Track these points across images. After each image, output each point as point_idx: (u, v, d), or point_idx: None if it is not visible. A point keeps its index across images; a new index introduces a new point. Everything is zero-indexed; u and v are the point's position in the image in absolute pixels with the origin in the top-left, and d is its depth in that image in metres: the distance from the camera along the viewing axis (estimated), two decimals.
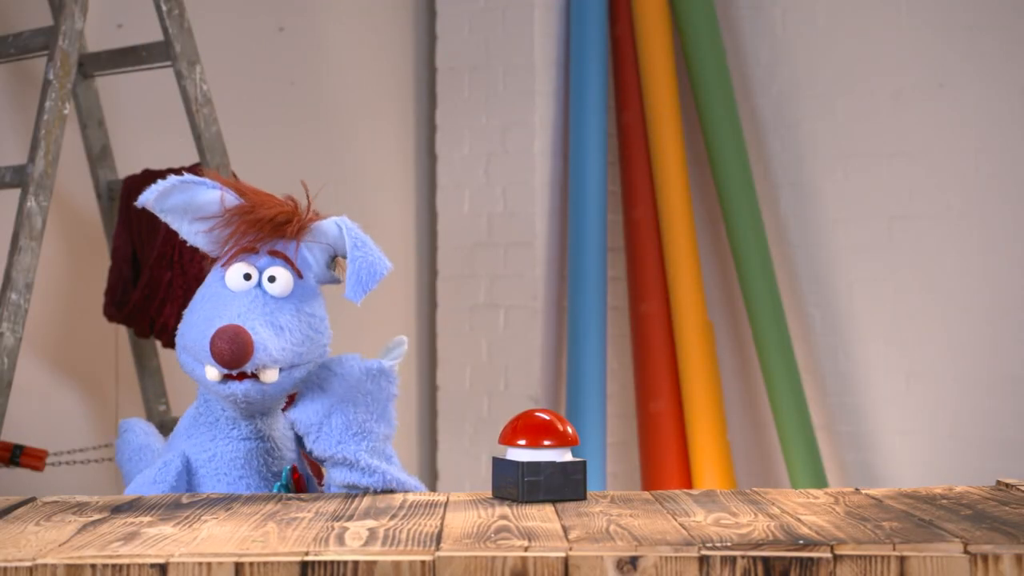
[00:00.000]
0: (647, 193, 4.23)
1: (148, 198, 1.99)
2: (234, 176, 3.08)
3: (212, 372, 1.94)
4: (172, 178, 1.99)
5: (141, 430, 2.30)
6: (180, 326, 2.02)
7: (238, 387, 1.94)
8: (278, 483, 2.03)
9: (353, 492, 1.95)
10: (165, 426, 3.32)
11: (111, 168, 3.31)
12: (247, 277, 1.97)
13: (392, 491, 1.97)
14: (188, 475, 2.02)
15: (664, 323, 4.18)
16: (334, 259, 2.05)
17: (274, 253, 2.00)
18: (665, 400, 4.14)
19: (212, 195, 1.99)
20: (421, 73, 4.47)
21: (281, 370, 1.96)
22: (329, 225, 2.03)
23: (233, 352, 1.89)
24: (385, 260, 2.00)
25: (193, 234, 2.02)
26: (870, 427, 4.07)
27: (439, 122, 4.43)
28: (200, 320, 1.96)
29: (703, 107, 4.18)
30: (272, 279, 1.98)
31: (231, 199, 2.00)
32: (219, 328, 1.90)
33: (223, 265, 1.99)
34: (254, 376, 1.94)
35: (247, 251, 1.99)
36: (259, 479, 2.03)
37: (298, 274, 2.00)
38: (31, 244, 2.81)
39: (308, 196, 2.04)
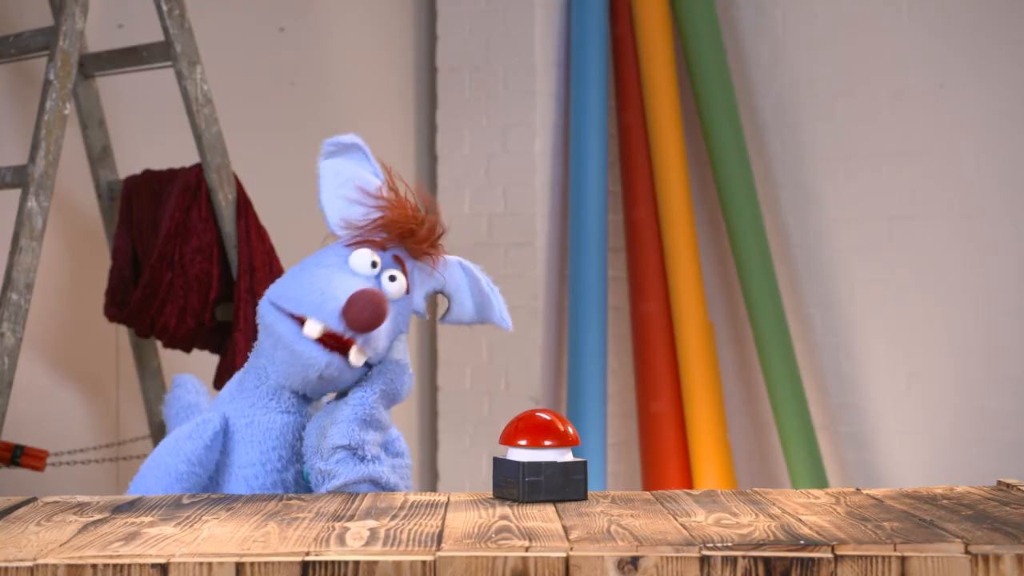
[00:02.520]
0: (648, 193, 4.23)
1: (330, 152, 2.06)
2: (234, 176, 3.08)
3: (313, 327, 1.96)
4: (358, 140, 2.07)
5: (193, 387, 2.32)
6: (279, 281, 2.04)
7: (324, 356, 1.97)
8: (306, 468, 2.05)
9: (355, 491, 1.95)
10: (166, 426, 3.32)
11: (111, 168, 3.31)
12: (373, 265, 2.00)
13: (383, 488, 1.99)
14: (225, 436, 2.04)
15: (665, 323, 4.18)
16: (433, 295, 2.13)
17: (398, 259, 2.05)
18: (666, 400, 4.14)
19: (373, 179, 2.06)
20: (421, 73, 4.47)
21: (367, 363, 1.99)
22: (453, 263, 2.13)
23: (373, 310, 1.94)
24: (506, 319, 2.18)
25: (335, 196, 2.06)
26: (871, 427, 4.07)
27: (439, 122, 4.43)
28: (317, 280, 1.98)
29: (704, 107, 4.18)
30: (393, 279, 2.03)
31: (380, 188, 2.06)
32: (359, 290, 1.94)
33: (349, 245, 2.03)
34: (346, 350, 1.97)
35: (376, 244, 2.03)
36: (291, 453, 2.05)
37: (407, 289, 2.05)
38: (31, 244, 2.81)
39: (442, 221, 2.09)
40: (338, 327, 1.95)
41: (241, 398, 2.07)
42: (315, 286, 1.98)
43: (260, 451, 2.03)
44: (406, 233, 2.05)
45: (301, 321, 1.98)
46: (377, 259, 2.02)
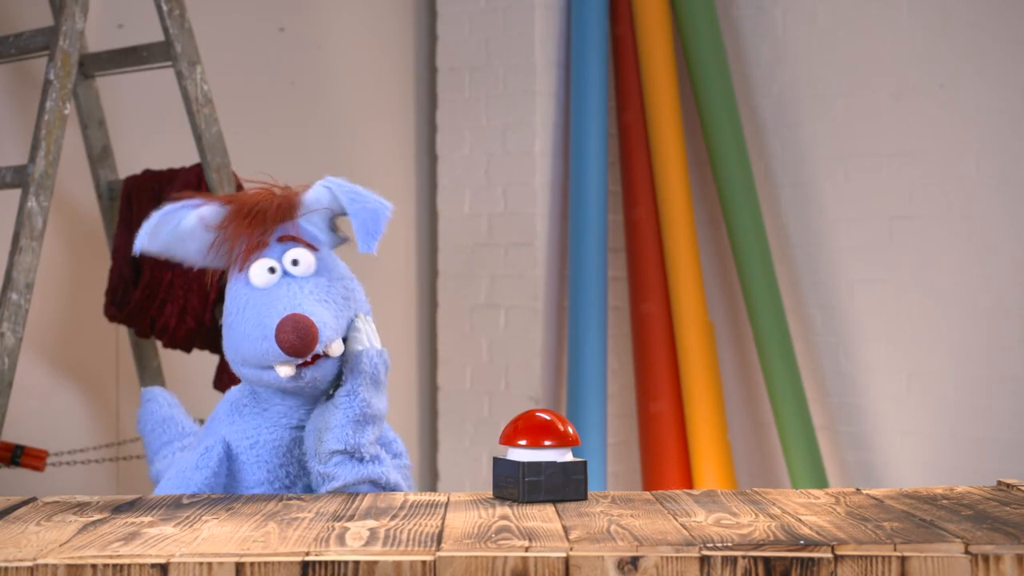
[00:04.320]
0: (648, 193, 4.23)
1: (141, 243, 2.01)
2: (234, 177, 3.08)
3: (285, 370, 1.96)
4: (152, 215, 2.01)
5: (165, 401, 2.31)
6: (227, 345, 2.02)
7: (315, 371, 1.98)
8: None
9: (355, 490, 1.95)
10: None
11: (112, 168, 3.31)
12: (271, 271, 1.99)
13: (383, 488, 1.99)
14: (228, 461, 2.03)
15: (665, 323, 4.18)
16: (333, 220, 2.08)
17: (284, 239, 2.02)
18: (666, 400, 4.14)
19: (194, 215, 2.01)
20: (421, 73, 4.47)
21: (343, 339, 2.00)
22: (318, 191, 2.06)
23: (301, 339, 1.91)
24: (384, 201, 2.04)
25: (201, 257, 2.03)
26: (871, 427, 4.07)
27: (440, 122, 4.43)
28: (250, 327, 1.97)
29: (704, 107, 4.18)
30: (295, 262, 2.01)
31: (210, 211, 2.02)
32: (278, 323, 1.92)
33: (240, 269, 2.01)
34: (325, 355, 1.97)
35: (257, 248, 2.00)
36: (298, 467, 2.04)
37: (313, 249, 2.02)
38: (32, 244, 2.81)
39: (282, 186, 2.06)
40: (296, 358, 1.95)
41: (242, 420, 2.05)
42: (252, 337, 1.96)
43: (267, 470, 2.03)
44: (275, 210, 2.01)
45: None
46: (271, 263, 1.99)
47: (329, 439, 1.96)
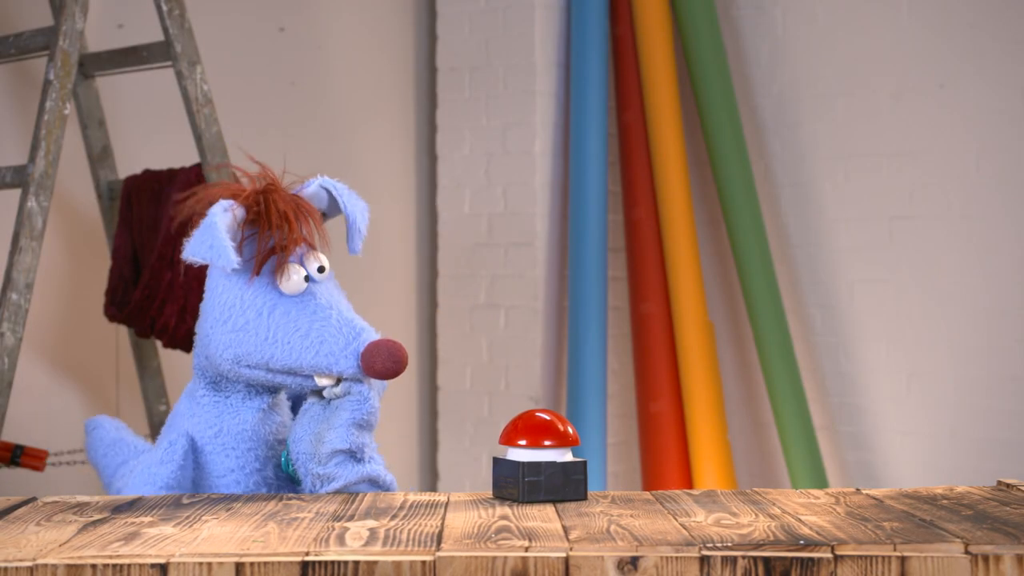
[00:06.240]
0: (647, 193, 4.23)
1: (223, 259, 1.94)
2: (235, 177, 3.08)
3: (327, 380, 1.97)
4: (206, 226, 1.94)
5: (111, 425, 2.30)
6: (227, 343, 1.99)
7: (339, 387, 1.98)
8: (284, 452, 2.04)
9: (354, 490, 1.95)
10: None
11: (111, 168, 3.32)
12: (307, 279, 1.98)
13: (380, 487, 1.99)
14: (194, 453, 2.03)
15: (665, 323, 4.18)
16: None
17: (305, 242, 2.01)
18: (666, 400, 4.14)
19: (228, 217, 1.96)
20: (421, 73, 4.47)
21: None
22: (317, 192, 2.06)
23: (396, 363, 1.93)
24: (363, 202, 2.05)
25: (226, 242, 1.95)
26: (871, 427, 4.07)
27: (439, 122, 4.43)
28: (288, 335, 1.96)
29: (703, 107, 4.18)
30: (321, 269, 2.01)
31: (240, 212, 1.99)
32: (368, 347, 1.93)
33: (276, 271, 1.97)
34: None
35: (285, 252, 1.98)
36: (266, 449, 2.04)
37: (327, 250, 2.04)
38: (31, 244, 2.81)
39: (272, 175, 2.04)
40: (353, 373, 1.95)
41: (202, 411, 2.04)
42: (297, 342, 1.96)
43: (235, 456, 2.02)
44: (289, 217, 1.98)
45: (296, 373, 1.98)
46: (303, 270, 1.98)
47: (333, 438, 1.96)
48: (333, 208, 2.07)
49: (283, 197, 2.01)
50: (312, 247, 2.00)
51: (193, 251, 1.95)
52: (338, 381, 1.99)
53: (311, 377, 1.98)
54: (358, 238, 2.03)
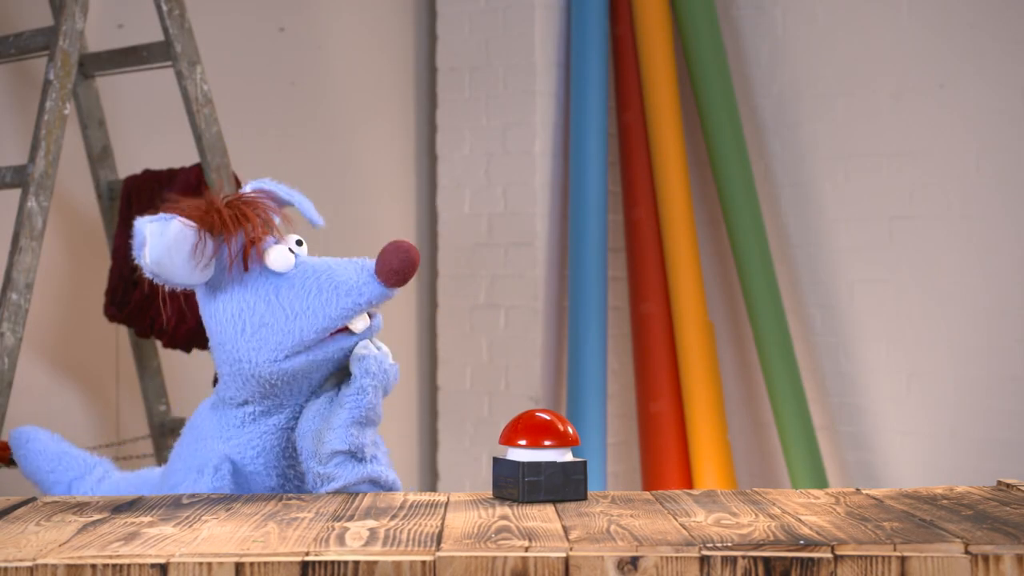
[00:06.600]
0: (647, 193, 4.23)
1: (141, 258, 1.92)
2: (234, 177, 3.08)
3: (361, 323, 2.00)
4: (141, 232, 1.92)
5: (47, 436, 2.27)
6: (255, 346, 1.96)
7: (371, 329, 2.01)
8: None
9: (354, 490, 1.95)
10: (166, 426, 3.32)
11: (111, 168, 3.32)
12: (291, 251, 2.00)
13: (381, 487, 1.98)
14: (233, 476, 2.01)
15: (665, 323, 4.18)
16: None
17: (269, 225, 2.02)
18: (666, 400, 4.14)
19: (175, 223, 1.92)
20: (421, 73, 4.47)
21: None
22: (260, 185, 2.08)
23: (409, 257, 1.96)
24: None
25: (189, 270, 1.94)
26: (871, 427, 4.07)
27: (440, 122, 4.43)
28: (304, 304, 1.96)
29: (703, 107, 4.18)
30: (300, 242, 2.03)
31: (187, 220, 1.95)
32: (379, 257, 1.95)
33: (257, 261, 1.97)
34: (347, 330, 2.00)
35: (259, 239, 1.98)
36: (292, 458, 2.04)
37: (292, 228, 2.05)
38: (31, 244, 2.81)
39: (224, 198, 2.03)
40: (379, 293, 1.96)
41: (240, 432, 2.02)
42: (316, 306, 1.96)
43: (276, 473, 2.02)
44: (246, 205, 1.98)
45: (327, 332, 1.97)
46: (291, 246, 2.00)
47: (332, 439, 1.95)
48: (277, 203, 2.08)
49: (228, 204, 1.98)
50: (277, 230, 2.01)
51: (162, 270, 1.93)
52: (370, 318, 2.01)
53: (348, 331, 1.97)
54: (313, 211, 2.06)
